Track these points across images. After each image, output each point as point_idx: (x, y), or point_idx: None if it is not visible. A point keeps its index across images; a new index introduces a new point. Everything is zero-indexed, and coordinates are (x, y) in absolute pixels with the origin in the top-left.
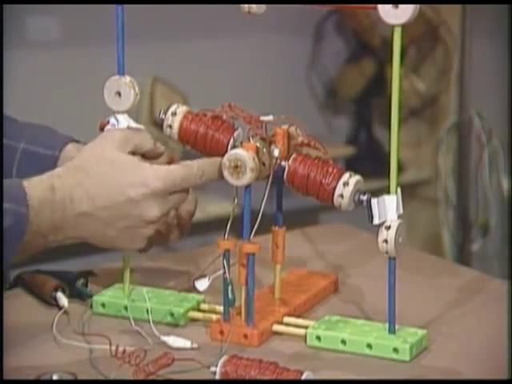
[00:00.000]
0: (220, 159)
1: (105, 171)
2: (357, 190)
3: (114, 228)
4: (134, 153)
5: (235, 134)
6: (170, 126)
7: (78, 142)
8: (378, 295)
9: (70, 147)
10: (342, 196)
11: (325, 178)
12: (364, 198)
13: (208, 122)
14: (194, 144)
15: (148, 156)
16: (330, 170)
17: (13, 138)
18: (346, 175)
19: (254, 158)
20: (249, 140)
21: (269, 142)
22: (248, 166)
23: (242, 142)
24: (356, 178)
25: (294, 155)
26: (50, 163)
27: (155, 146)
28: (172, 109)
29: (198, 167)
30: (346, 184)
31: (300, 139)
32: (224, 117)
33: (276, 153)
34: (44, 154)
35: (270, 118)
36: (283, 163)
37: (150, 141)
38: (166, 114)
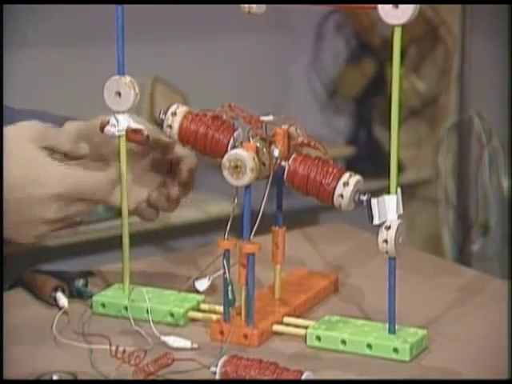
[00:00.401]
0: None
1: (10, 163)
2: (357, 190)
3: (5, 220)
4: (52, 150)
5: (235, 134)
6: (170, 126)
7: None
8: (378, 295)
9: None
10: (342, 196)
11: (325, 177)
12: (364, 197)
13: (208, 122)
14: (194, 144)
15: (70, 157)
16: (330, 170)
17: (10, 123)
18: (346, 175)
19: (253, 158)
20: (249, 140)
21: (269, 142)
22: (248, 166)
23: (242, 142)
24: (356, 177)
25: (294, 155)
26: None
27: (76, 148)
28: (172, 109)
29: (108, 180)
30: (346, 184)
31: (300, 139)
32: (224, 117)
33: (276, 153)
34: None
35: (270, 118)
36: (283, 163)
37: (67, 142)
38: (165, 114)
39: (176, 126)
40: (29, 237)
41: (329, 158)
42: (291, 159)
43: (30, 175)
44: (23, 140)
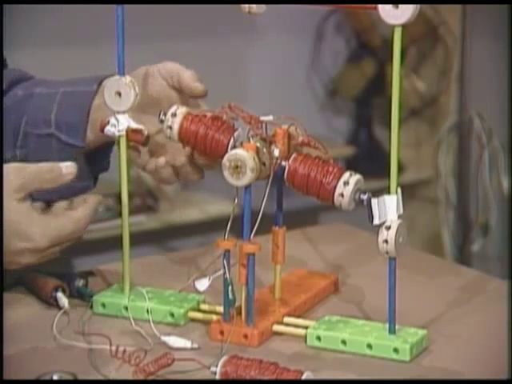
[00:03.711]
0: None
1: None
2: (357, 189)
3: None
4: (32, 196)
5: (235, 135)
6: (170, 127)
7: None
8: (378, 295)
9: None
10: (342, 195)
11: (325, 177)
12: (364, 197)
13: (208, 123)
14: (194, 145)
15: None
16: (331, 169)
17: (52, 87)
18: (347, 174)
19: (254, 158)
20: (249, 140)
21: (269, 142)
22: (248, 166)
23: (242, 143)
24: (356, 177)
25: (294, 155)
26: (88, 98)
27: (59, 181)
28: (172, 110)
29: (85, 220)
30: (346, 183)
31: (300, 139)
32: (224, 117)
33: (276, 153)
34: (83, 91)
35: (270, 118)
36: (283, 163)
37: (48, 181)
38: (165, 115)
39: (176, 127)
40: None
41: (329, 158)
42: (291, 159)
43: (10, 228)
44: (6, 190)
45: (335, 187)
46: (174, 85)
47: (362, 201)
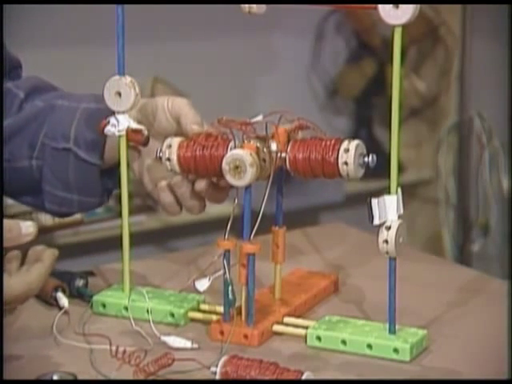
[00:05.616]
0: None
1: None
2: (360, 154)
3: None
4: None
5: (230, 145)
6: (169, 159)
7: None
8: (378, 295)
9: None
10: (346, 163)
11: (325, 152)
12: (369, 159)
13: (202, 142)
14: (195, 169)
15: None
16: (328, 143)
17: (73, 102)
18: (345, 142)
19: (251, 154)
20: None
21: (267, 140)
22: (247, 163)
23: (241, 146)
24: (355, 142)
25: (291, 142)
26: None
27: (18, 241)
28: (166, 142)
29: (38, 282)
30: (346, 150)
31: (294, 124)
32: (216, 133)
33: (274, 146)
34: (103, 109)
35: (260, 117)
36: (283, 155)
37: (6, 240)
38: (161, 150)
39: (174, 158)
40: None
41: (323, 133)
42: (289, 147)
43: None
44: None
45: (337, 158)
46: (178, 122)
47: (368, 163)
